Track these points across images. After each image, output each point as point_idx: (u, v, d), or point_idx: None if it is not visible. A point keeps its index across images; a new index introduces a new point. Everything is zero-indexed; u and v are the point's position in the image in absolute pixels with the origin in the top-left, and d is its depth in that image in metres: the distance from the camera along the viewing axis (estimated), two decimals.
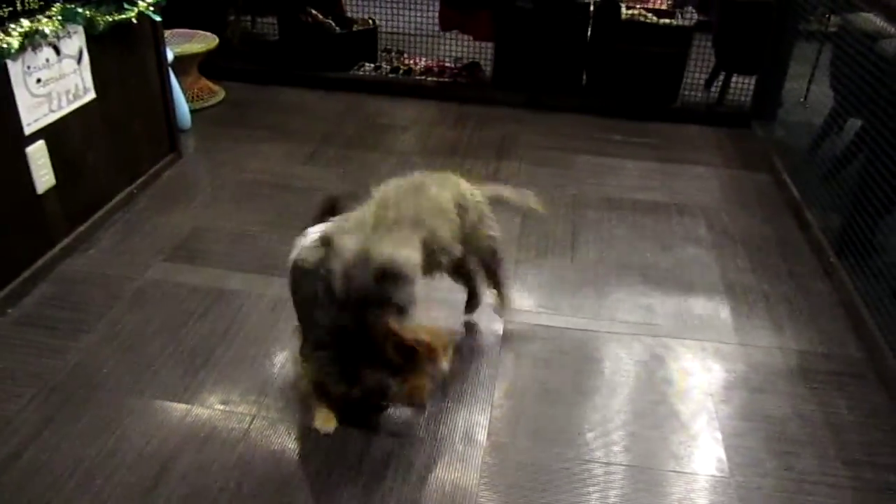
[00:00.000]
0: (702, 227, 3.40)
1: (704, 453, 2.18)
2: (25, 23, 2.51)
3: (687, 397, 2.39)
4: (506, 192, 2.62)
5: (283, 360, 2.45)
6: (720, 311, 2.81)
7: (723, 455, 2.18)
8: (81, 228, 3.01)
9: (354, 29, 5.06)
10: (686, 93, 4.74)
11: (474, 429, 2.22)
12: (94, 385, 2.30)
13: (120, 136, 3.23)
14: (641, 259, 3.13)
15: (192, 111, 4.18)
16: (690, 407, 2.35)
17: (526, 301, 2.81)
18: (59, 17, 2.66)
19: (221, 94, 4.57)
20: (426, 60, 5.15)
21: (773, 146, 4.14)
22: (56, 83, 2.74)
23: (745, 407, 2.36)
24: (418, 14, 5.05)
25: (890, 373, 2.45)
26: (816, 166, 3.65)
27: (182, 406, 2.24)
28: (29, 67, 2.59)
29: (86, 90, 2.94)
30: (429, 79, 4.96)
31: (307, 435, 2.16)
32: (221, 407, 2.25)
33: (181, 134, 3.88)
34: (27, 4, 2.53)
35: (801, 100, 4.47)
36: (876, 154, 2.89)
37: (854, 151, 3.37)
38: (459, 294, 2.62)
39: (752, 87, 4.65)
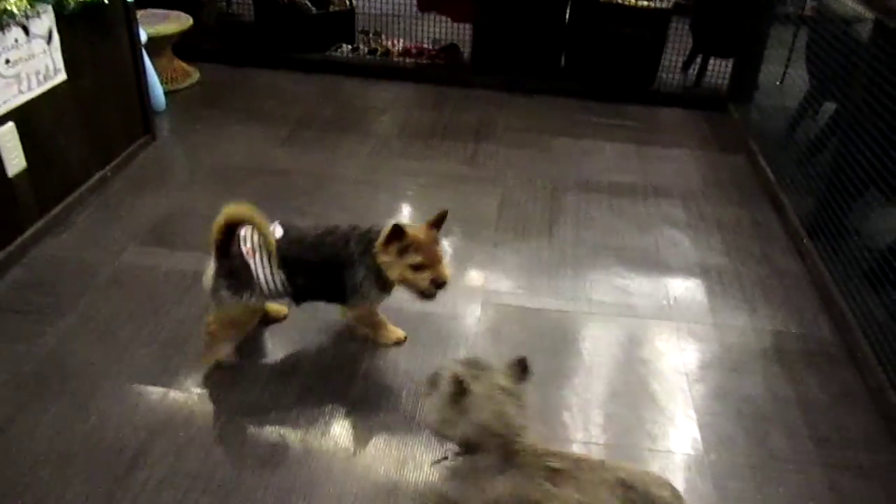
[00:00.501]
0: (678, 209, 3.43)
1: (679, 432, 2.21)
2: None
3: (662, 377, 2.42)
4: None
5: (260, 342, 2.44)
6: (695, 292, 2.84)
7: (697, 434, 2.21)
8: (54, 212, 2.97)
9: (331, 10, 5.01)
10: (663, 75, 4.75)
11: None
12: (69, 370, 2.28)
13: (92, 119, 3.18)
14: (618, 241, 3.15)
15: (167, 93, 4.13)
16: (666, 387, 2.38)
17: (504, 283, 2.82)
18: None
19: (196, 76, 4.51)
20: (404, 42, 5.12)
21: (749, 129, 4.17)
22: (25, 64, 2.69)
23: (719, 386, 2.40)
24: None
25: (861, 353, 2.49)
26: (791, 149, 3.69)
27: (159, 390, 2.23)
28: None
29: (56, 71, 2.89)
30: (407, 61, 4.93)
31: (286, 416, 2.16)
32: (198, 390, 2.24)
33: (155, 116, 3.83)
34: None
35: (778, 83, 4.50)
36: (849, 137, 2.92)
37: (828, 135, 3.41)
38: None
39: (728, 71, 4.68)
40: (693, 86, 4.78)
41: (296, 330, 2.51)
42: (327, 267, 2.19)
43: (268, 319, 2.50)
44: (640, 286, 2.86)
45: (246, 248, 2.16)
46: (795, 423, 2.26)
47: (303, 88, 4.52)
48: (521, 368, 1.71)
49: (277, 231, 2.19)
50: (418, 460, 2.05)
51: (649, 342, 2.57)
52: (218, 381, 2.28)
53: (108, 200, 3.20)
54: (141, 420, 2.12)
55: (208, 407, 2.18)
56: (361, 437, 2.12)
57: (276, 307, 2.50)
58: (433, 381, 1.74)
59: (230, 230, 2.12)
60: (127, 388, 2.23)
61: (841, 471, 2.11)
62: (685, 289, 2.86)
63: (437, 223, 2.20)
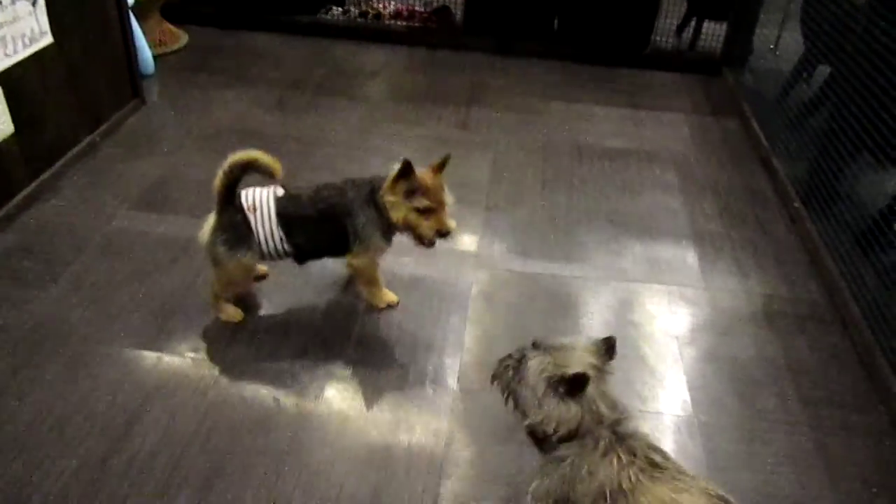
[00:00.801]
0: (670, 173, 3.42)
1: (670, 394, 2.24)
2: None
3: (653, 340, 2.44)
4: None
5: (254, 307, 2.44)
6: (687, 256, 2.85)
7: (687, 395, 2.23)
8: (44, 177, 2.94)
9: None
10: (657, 39, 4.71)
11: (445, 374, 2.25)
12: (62, 335, 2.28)
13: (80, 82, 3.14)
14: (611, 205, 3.15)
15: (155, 57, 4.07)
16: (657, 349, 2.40)
17: (497, 247, 2.82)
18: None
19: (185, 39, 4.45)
20: (396, 4, 5.05)
21: (742, 93, 4.15)
22: (10, 27, 2.64)
23: (709, 349, 2.42)
24: None
25: (850, 316, 2.51)
26: (785, 114, 3.68)
27: (152, 354, 2.24)
28: None
29: (42, 34, 2.84)
30: (398, 23, 4.87)
31: (280, 380, 2.17)
32: (192, 355, 2.25)
33: (144, 80, 3.78)
34: None
35: (772, 47, 4.47)
36: (843, 102, 2.91)
37: (822, 99, 3.40)
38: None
39: (723, 34, 4.63)
40: (687, 49, 4.74)
41: (289, 294, 2.51)
42: (326, 219, 2.20)
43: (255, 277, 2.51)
44: (632, 250, 2.87)
45: (248, 204, 2.17)
46: (784, 384, 2.29)
47: (293, 52, 4.47)
48: (608, 347, 1.72)
49: (278, 191, 2.19)
50: (411, 423, 2.07)
51: (641, 306, 2.59)
52: (212, 345, 2.28)
53: (98, 165, 3.17)
54: (135, 384, 2.13)
55: (203, 371, 2.19)
56: (355, 401, 2.14)
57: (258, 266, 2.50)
58: (508, 369, 1.74)
59: (236, 176, 2.14)
60: (120, 353, 2.23)
61: (828, 430, 2.14)
62: (677, 253, 2.87)
63: (441, 167, 2.20)
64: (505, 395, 1.76)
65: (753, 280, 2.74)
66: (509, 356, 1.77)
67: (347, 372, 2.23)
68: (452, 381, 2.22)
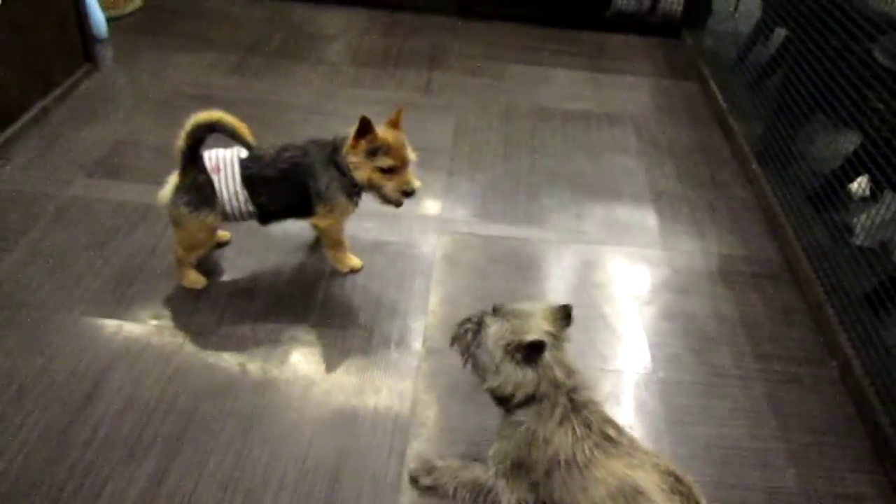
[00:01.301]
0: (630, 136, 3.46)
1: (630, 352, 2.29)
2: None
3: (614, 300, 2.49)
4: None
5: (216, 272, 2.43)
6: (646, 217, 2.90)
7: (647, 353, 2.29)
8: None
9: None
10: (619, 1, 4.71)
11: (409, 336, 2.27)
12: (19, 304, 2.25)
13: (29, 46, 3.05)
14: (572, 168, 3.18)
15: (108, 20, 3.95)
16: (617, 309, 2.45)
17: (459, 211, 2.84)
18: None
19: (139, 2, 4.33)
20: None
21: (702, 55, 4.19)
22: None
23: (667, 308, 2.47)
24: None
25: (803, 273, 2.59)
26: (742, 75, 3.72)
27: (113, 322, 2.22)
28: None
29: None
30: None
31: (244, 345, 2.17)
32: (154, 322, 2.23)
33: (97, 44, 3.68)
34: None
35: (731, 9, 4.50)
36: (798, 63, 2.96)
37: (778, 61, 3.45)
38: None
39: None
40: (648, 12, 4.75)
41: (252, 259, 2.50)
42: (288, 179, 2.19)
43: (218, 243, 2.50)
44: (592, 212, 2.90)
45: (211, 165, 2.15)
46: (739, 340, 2.36)
47: (251, 14, 4.38)
48: (564, 314, 1.76)
49: (241, 152, 2.17)
50: (376, 385, 2.10)
51: (602, 267, 2.63)
52: (174, 311, 2.27)
53: (52, 132, 3.10)
54: (96, 352, 2.11)
55: (165, 338, 2.18)
56: (320, 365, 2.15)
57: (221, 232, 2.49)
58: (467, 333, 1.76)
59: (199, 137, 2.11)
60: (80, 322, 2.21)
61: (780, 384, 2.21)
62: (636, 214, 2.91)
63: (397, 121, 2.19)
64: (464, 357, 1.79)
65: (710, 240, 2.80)
66: (468, 319, 1.80)
67: (312, 336, 2.24)
68: (417, 344, 2.24)
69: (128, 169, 2.90)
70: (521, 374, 1.69)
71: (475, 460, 1.83)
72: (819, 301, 2.45)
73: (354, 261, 2.48)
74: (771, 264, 2.71)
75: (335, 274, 2.47)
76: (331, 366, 2.15)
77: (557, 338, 1.72)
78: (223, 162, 2.17)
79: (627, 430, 1.81)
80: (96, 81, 3.52)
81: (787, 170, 2.96)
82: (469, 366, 1.79)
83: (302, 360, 2.16)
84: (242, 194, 2.18)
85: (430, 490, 1.81)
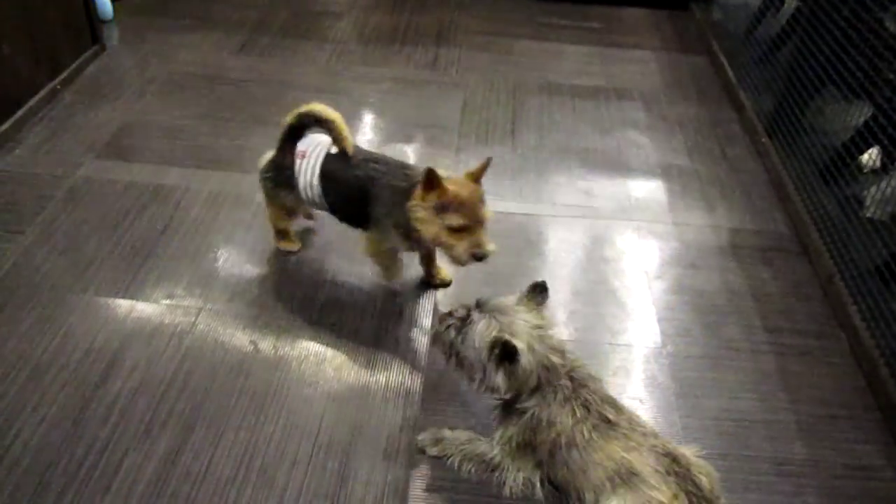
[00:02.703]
0: (639, 110, 3.44)
1: (639, 326, 2.30)
2: None
3: (623, 275, 2.49)
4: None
5: (227, 252, 2.45)
6: (656, 192, 2.89)
7: (656, 327, 2.29)
8: (5, 127, 2.88)
9: None
10: None
11: (420, 313, 2.28)
12: (33, 285, 2.27)
13: (36, 29, 3.05)
14: (580, 143, 3.16)
15: (114, 1, 3.95)
16: (626, 284, 2.45)
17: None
18: None
19: None
20: None
21: (710, 28, 4.15)
22: None
23: (677, 282, 2.47)
24: None
25: (813, 246, 2.58)
26: (752, 48, 3.68)
27: (126, 302, 2.24)
28: None
29: None
30: None
31: (255, 323, 2.19)
32: (167, 301, 2.25)
33: (104, 25, 3.68)
34: None
35: None
36: (808, 35, 2.93)
37: (789, 33, 3.41)
38: None
39: None
40: None
41: (260, 238, 2.51)
42: (358, 190, 2.08)
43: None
44: (602, 188, 2.90)
45: (301, 149, 2.16)
46: (749, 314, 2.36)
47: None
48: (539, 291, 1.76)
49: (333, 148, 2.13)
50: (387, 361, 2.11)
51: (611, 242, 2.63)
52: (186, 291, 2.29)
53: (61, 114, 3.11)
54: (110, 332, 2.13)
55: (178, 317, 2.20)
56: (330, 341, 2.16)
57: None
58: (450, 329, 1.76)
59: (303, 124, 2.11)
60: (94, 302, 2.23)
61: (790, 356, 2.22)
62: (646, 189, 2.91)
63: (480, 174, 1.97)
64: (447, 356, 1.79)
65: (720, 214, 2.79)
66: (450, 314, 1.80)
67: (323, 314, 2.25)
68: (427, 321, 2.26)
69: (137, 150, 2.92)
70: (513, 373, 1.70)
71: (483, 435, 1.84)
72: (829, 274, 2.44)
73: (400, 275, 2.35)
74: (781, 238, 2.70)
75: (344, 252, 2.47)
76: (342, 342, 2.16)
77: (543, 326, 1.73)
78: (311, 149, 2.14)
79: (634, 405, 1.83)
80: (103, 63, 3.52)
81: (797, 143, 2.94)
82: (454, 365, 1.79)
83: (313, 337, 2.17)
84: (317, 188, 2.14)
85: (437, 460, 1.83)
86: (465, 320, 1.75)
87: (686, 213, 2.78)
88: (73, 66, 3.35)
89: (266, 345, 2.13)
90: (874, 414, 2.06)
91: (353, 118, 3.25)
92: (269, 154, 2.23)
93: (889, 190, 2.50)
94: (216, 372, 2.04)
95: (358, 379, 2.06)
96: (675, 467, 1.65)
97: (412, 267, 2.43)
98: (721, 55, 3.83)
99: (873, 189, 2.60)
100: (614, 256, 2.57)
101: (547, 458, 1.74)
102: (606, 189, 2.89)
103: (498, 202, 2.76)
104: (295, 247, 2.45)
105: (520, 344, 1.65)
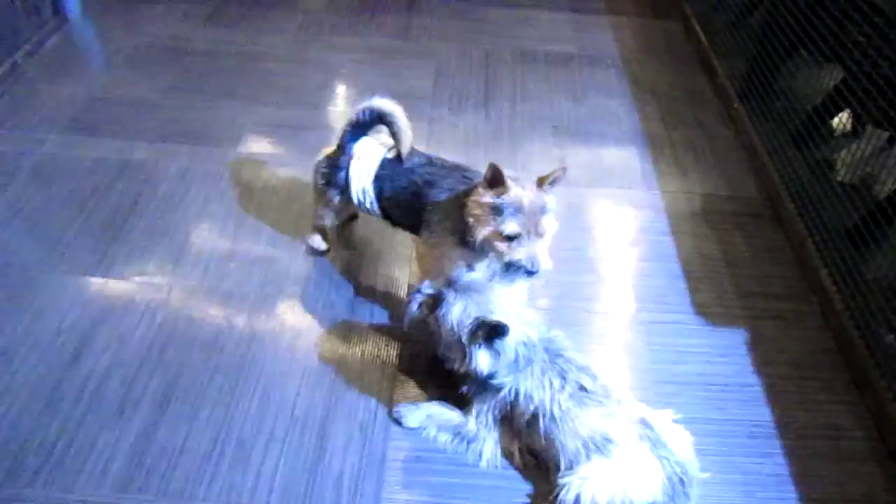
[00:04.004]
0: (613, 77, 3.42)
1: (614, 294, 2.31)
2: None
3: (598, 243, 2.49)
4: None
5: (198, 227, 2.41)
6: (630, 159, 2.89)
7: (631, 294, 2.31)
8: None
9: None
10: None
11: (394, 285, 2.27)
12: (0, 265, 2.23)
13: None
14: (554, 111, 3.15)
15: None
16: (602, 252, 2.46)
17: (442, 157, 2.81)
18: None
19: None
20: None
21: None
22: None
23: (651, 248, 2.48)
24: None
25: (785, 211, 2.60)
26: (724, 13, 3.67)
27: (97, 280, 2.21)
28: None
29: None
30: None
31: (229, 298, 2.17)
32: (138, 278, 2.22)
33: None
34: None
35: None
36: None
37: None
38: None
39: None
40: None
41: (232, 212, 2.48)
42: (413, 195, 1.99)
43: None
44: (576, 156, 2.89)
45: (357, 151, 2.07)
46: (722, 279, 2.37)
47: None
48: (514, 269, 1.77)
49: (390, 152, 2.04)
50: (363, 334, 2.11)
51: (586, 210, 2.63)
52: (158, 268, 2.26)
53: (22, 89, 3.03)
54: (81, 311, 2.10)
55: (150, 294, 2.17)
56: (305, 316, 2.15)
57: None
58: (421, 308, 1.77)
59: (365, 120, 2.01)
60: (64, 281, 2.20)
61: (763, 320, 2.24)
62: (620, 156, 2.90)
63: (552, 182, 1.83)
64: (421, 334, 1.80)
65: (693, 180, 2.80)
66: (418, 291, 1.80)
67: (297, 288, 2.24)
68: (402, 292, 2.25)
69: (104, 124, 2.86)
70: (496, 353, 1.70)
71: (459, 406, 1.85)
72: (801, 238, 2.46)
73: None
74: (753, 202, 2.72)
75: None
76: (317, 316, 2.15)
77: (518, 302, 1.74)
78: (367, 152, 2.06)
79: (609, 372, 1.85)
80: (66, 35, 3.44)
81: (769, 108, 2.94)
82: (430, 345, 1.80)
83: (287, 312, 2.16)
84: (372, 192, 2.05)
85: (413, 431, 1.84)
86: (437, 297, 1.75)
87: (660, 180, 2.79)
88: (34, 39, 3.26)
89: (240, 320, 2.12)
90: (843, 375, 2.09)
91: (324, 89, 3.20)
92: (329, 149, 2.13)
93: (859, 153, 2.52)
94: (190, 348, 2.02)
95: (334, 352, 2.05)
96: (650, 433, 1.67)
97: (386, 236, 2.42)
98: (694, 20, 3.81)
99: (844, 153, 2.62)
100: (589, 224, 2.57)
101: (524, 428, 1.76)
102: (580, 157, 2.88)
103: None
104: (324, 246, 2.32)
105: (502, 321, 1.65)
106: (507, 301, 1.71)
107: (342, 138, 2.07)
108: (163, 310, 2.13)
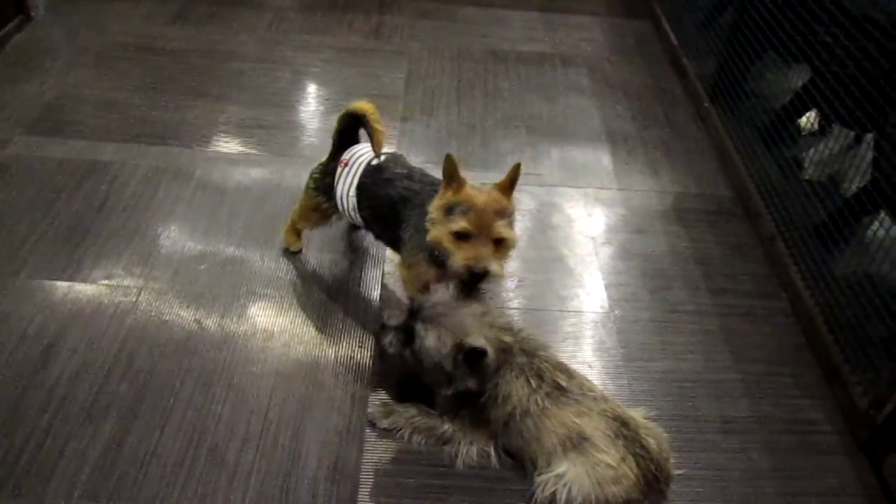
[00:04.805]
0: (584, 76, 3.44)
1: (587, 293, 2.32)
2: None
3: (571, 242, 2.50)
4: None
5: (167, 229, 2.38)
6: (602, 158, 2.90)
7: (604, 293, 2.31)
8: None
9: None
10: None
11: (368, 285, 2.26)
12: None
13: None
14: (526, 111, 3.15)
15: None
16: (574, 251, 2.46)
17: (414, 158, 2.77)
18: None
19: None
20: None
21: None
22: None
23: (624, 247, 2.50)
24: None
25: (755, 208, 2.63)
26: (694, 13, 3.70)
27: (63, 284, 2.16)
28: None
29: None
30: None
31: (200, 301, 2.14)
32: (106, 282, 2.18)
33: None
34: None
35: None
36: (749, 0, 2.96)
37: None
38: None
39: None
40: None
41: (202, 213, 2.45)
42: (389, 208, 1.94)
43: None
44: (548, 155, 2.90)
45: (345, 157, 2.06)
46: (694, 276, 2.39)
47: None
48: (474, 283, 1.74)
49: (375, 160, 2.01)
50: (336, 335, 2.09)
51: (558, 209, 2.64)
52: (126, 270, 2.22)
53: None
54: (47, 316, 2.06)
55: (118, 297, 2.13)
56: (278, 317, 2.13)
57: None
58: (392, 344, 1.76)
59: (347, 124, 2.04)
60: (28, 285, 2.15)
61: (734, 317, 2.26)
62: (592, 155, 2.92)
63: (507, 184, 1.77)
64: (399, 368, 1.79)
65: (665, 178, 2.82)
66: (383, 327, 1.79)
67: (269, 290, 2.21)
68: (375, 293, 2.24)
69: (69, 125, 2.80)
70: (482, 369, 1.70)
71: (433, 408, 1.84)
72: (770, 235, 2.49)
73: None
74: (724, 201, 2.75)
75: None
76: (289, 318, 2.13)
77: (486, 311, 1.73)
78: (354, 160, 2.04)
79: (584, 370, 1.86)
80: (30, 34, 3.36)
81: (738, 107, 2.98)
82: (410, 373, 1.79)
83: (260, 314, 2.13)
84: (352, 199, 2.03)
85: (388, 433, 1.83)
86: (407, 330, 1.73)
87: (631, 179, 2.81)
88: None
89: (211, 322, 2.09)
90: (814, 370, 2.12)
91: (294, 89, 3.17)
92: (324, 158, 2.14)
93: (826, 152, 2.56)
94: (160, 352, 1.99)
95: (307, 354, 2.03)
96: (624, 430, 1.68)
97: (358, 237, 2.40)
98: (664, 20, 3.85)
99: (811, 151, 2.66)
100: (562, 223, 2.58)
101: (501, 429, 1.75)
102: (552, 156, 2.89)
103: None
104: (298, 247, 2.33)
105: (480, 341, 1.64)
106: (476, 313, 1.71)
107: (333, 145, 2.08)
108: (132, 314, 2.09)
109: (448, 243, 1.72)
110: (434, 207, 1.77)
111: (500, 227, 1.72)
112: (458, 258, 1.70)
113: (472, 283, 1.72)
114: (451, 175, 1.74)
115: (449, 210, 1.72)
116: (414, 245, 1.88)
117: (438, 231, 1.74)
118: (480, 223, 1.70)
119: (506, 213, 1.74)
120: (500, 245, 1.73)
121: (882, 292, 1.99)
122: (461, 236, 1.70)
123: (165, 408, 1.85)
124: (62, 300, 2.11)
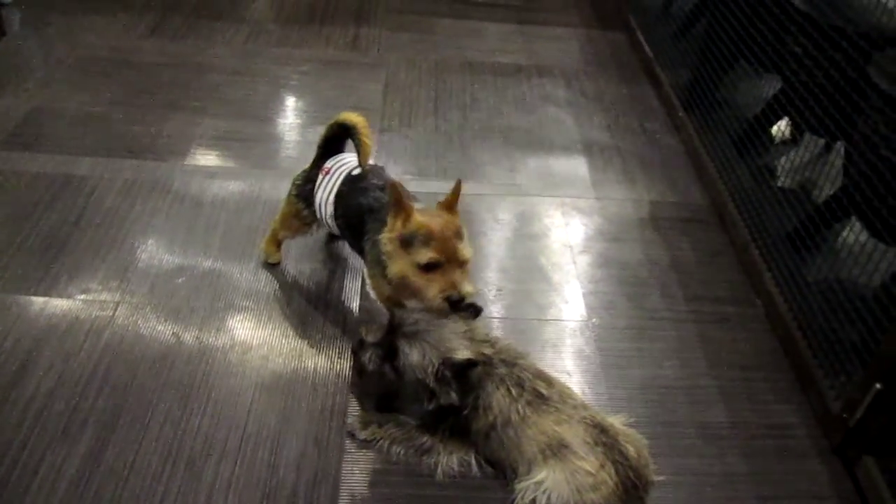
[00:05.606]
0: (560, 87, 3.47)
1: (565, 301, 2.33)
2: None
3: (549, 251, 2.52)
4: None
5: (144, 243, 2.36)
6: (578, 168, 2.93)
7: (581, 301, 2.33)
8: None
9: None
10: None
11: (347, 296, 2.26)
12: None
13: None
14: (503, 122, 3.18)
15: None
16: (552, 260, 2.48)
17: (392, 169, 2.81)
18: None
19: None
20: None
21: (628, 4, 4.20)
22: None
23: (601, 256, 2.52)
24: None
25: (729, 216, 2.66)
26: (668, 24, 3.76)
27: (38, 299, 2.14)
28: None
29: None
30: None
31: (177, 314, 2.13)
32: (82, 296, 2.17)
33: (2, 9, 3.48)
34: None
35: None
36: (720, 10, 3.00)
37: (701, 9, 3.49)
38: None
39: None
40: None
41: (179, 227, 2.44)
42: (358, 217, 1.93)
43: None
44: (525, 165, 2.92)
45: (327, 166, 2.06)
46: (670, 284, 2.42)
47: None
48: (473, 314, 1.76)
49: (356, 170, 2.00)
50: (315, 347, 2.09)
51: (536, 219, 2.66)
52: (101, 285, 2.21)
53: None
54: (22, 331, 2.04)
55: (95, 312, 2.12)
56: (256, 330, 2.12)
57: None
58: (371, 361, 1.76)
59: (334, 134, 2.04)
60: (4, 299, 2.13)
61: (710, 324, 2.29)
62: (569, 165, 2.94)
63: (452, 202, 1.73)
64: (378, 380, 1.80)
65: (640, 187, 2.85)
66: (362, 343, 1.80)
67: (247, 302, 2.21)
68: (355, 304, 2.24)
69: (44, 139, 2.78)
70: (466, 383, 1.71)
71: (413, 418, 1.85)
72: (744, 242, 2.53)
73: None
74: (699, 209, 2.78)
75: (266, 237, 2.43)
76: (268, 330, 2.13)
77: (467, 324, 1.74)
78: (335, 168, 2.04)
79: (563, 378, 1.87)
80: (4, 48, 3.35)
81: (712, 116, 3.02)
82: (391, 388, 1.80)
83: (238, 327, 2.13)
84: (330, 207, 2.02)
85: (368, 444, 1.83)
86: (387, 347, 1.74)
87: (608, 188, 2.84)
88: None
89: (189, 336, 2.08)
90: (788, 375, 2.15)
91: (272, 101, 3.18)
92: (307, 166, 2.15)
93: (798, 160, 2.60)
94: (137, 366, 1.98)
95: (285, 366, 2.02)
96: (604, 437, 1.69)
97: (336, 247, 2.40)
98: (639, 31, 3.90)
99: (783, 159, 2.71)
100: (539, 233, 2.59)
101: (482, 439, 1.76)
102: (530, 166, 2.92)
103: (423, 182, 2.76)
104: (277, 258, 2.32)
105: (467, 354, 1.65)
106: (457, 330, 1.72)
107: (317, 152, 2.09)
108: (109, 328, 2.08)
109: (415, 277, 1.67)
110: (386, 240, 1.72)
111: (464, 249, 1.69)
112: (433, 292, 1.66)
113: (452, 310, 1.70)
114: (398, 202, 1.68)
115: (407, 242, 1.68)
116: (373, 258, 1.86)
117: (400, 265, 1.69)
118: (446, 249, 1.65)
119: (461, 233, 1.72)
120: (464, 265, 1.71)
121: (853, 297, 2.02)
122: (429, 267, 1.65)
123: (143, 422, 1.84)
124: (38, 315, 2.09)
